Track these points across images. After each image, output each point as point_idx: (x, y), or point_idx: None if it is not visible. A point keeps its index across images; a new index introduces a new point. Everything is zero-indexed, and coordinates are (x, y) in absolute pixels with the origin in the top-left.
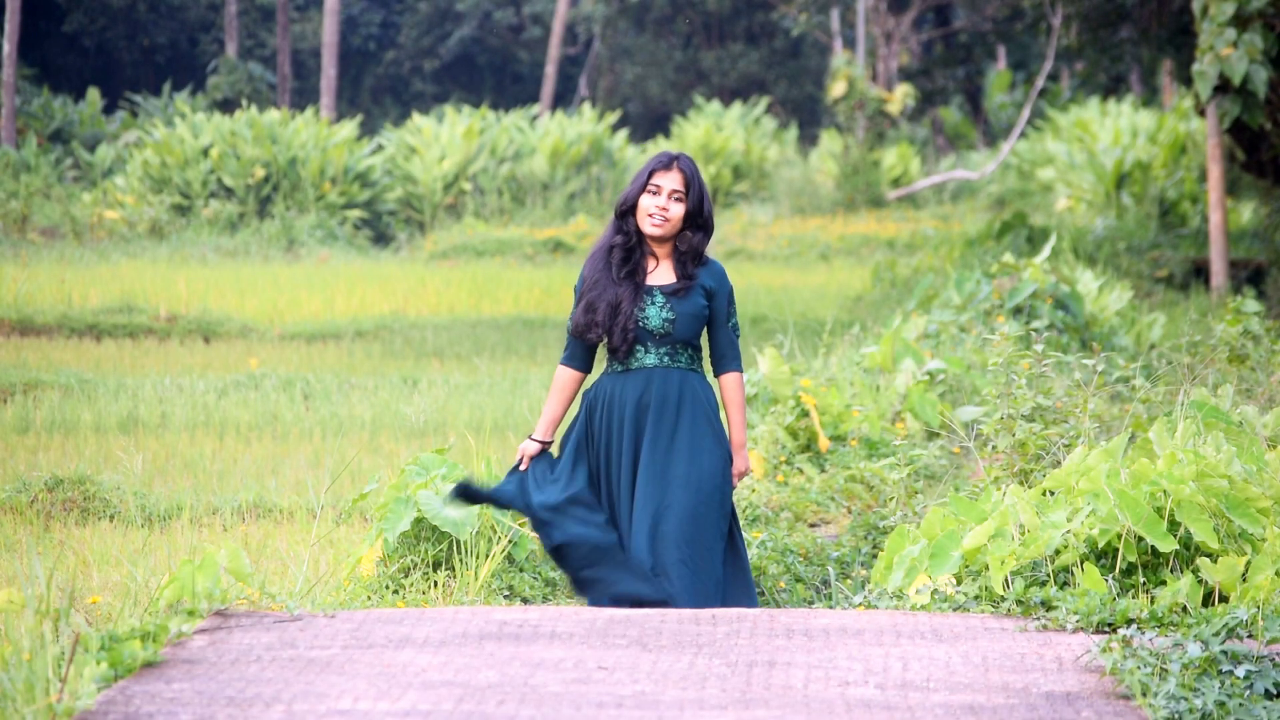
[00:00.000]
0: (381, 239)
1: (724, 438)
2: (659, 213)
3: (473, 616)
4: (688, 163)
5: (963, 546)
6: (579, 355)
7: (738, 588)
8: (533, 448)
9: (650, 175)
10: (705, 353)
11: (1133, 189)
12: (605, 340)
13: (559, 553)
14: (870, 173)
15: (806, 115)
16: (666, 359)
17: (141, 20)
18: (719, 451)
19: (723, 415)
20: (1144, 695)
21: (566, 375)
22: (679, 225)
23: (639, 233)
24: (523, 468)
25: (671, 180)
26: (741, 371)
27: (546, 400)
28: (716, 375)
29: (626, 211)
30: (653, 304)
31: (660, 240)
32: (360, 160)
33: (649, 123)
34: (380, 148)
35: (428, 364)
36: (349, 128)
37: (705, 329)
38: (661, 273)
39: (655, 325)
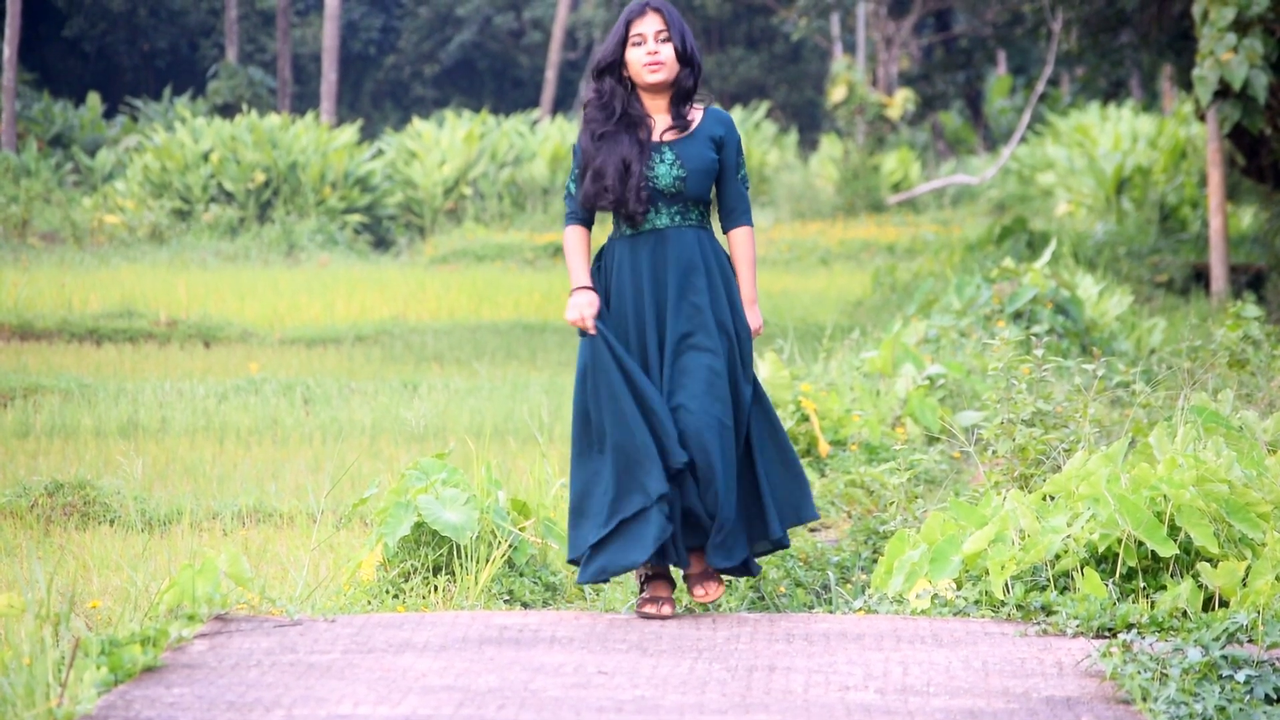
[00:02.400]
0: (382, 244)
1: (738, 299)
2: (651, 59)
3: (473, 621)
4: (661, 2)
5: (963, 551)
6: (582, 215)
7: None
8: (590, 297)
9: (628, 27)
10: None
11: (1133, 194)
12: (619, 207)
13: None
14: (870, 177)
15: (806, 120)
16: (678, 218)
17: (142, 25)
18: (739, 318)
19: None
20: (1144, 700)
21: (578, 232)
22: (675, 67)
23: (624, 90)
24: (592, 329)
25: (652, 23)
26: (751, 226)
27: (571, 257)
28: (725, 230)
29: (604, 71)
30: (662, 161)
31: (660, 89)
32: (360, 165)
33: None
34: (380, 152)
35: (428, 368)
36: (349, 132)
37: (714, 183)
38: (662, 127)
39: (666, 184)
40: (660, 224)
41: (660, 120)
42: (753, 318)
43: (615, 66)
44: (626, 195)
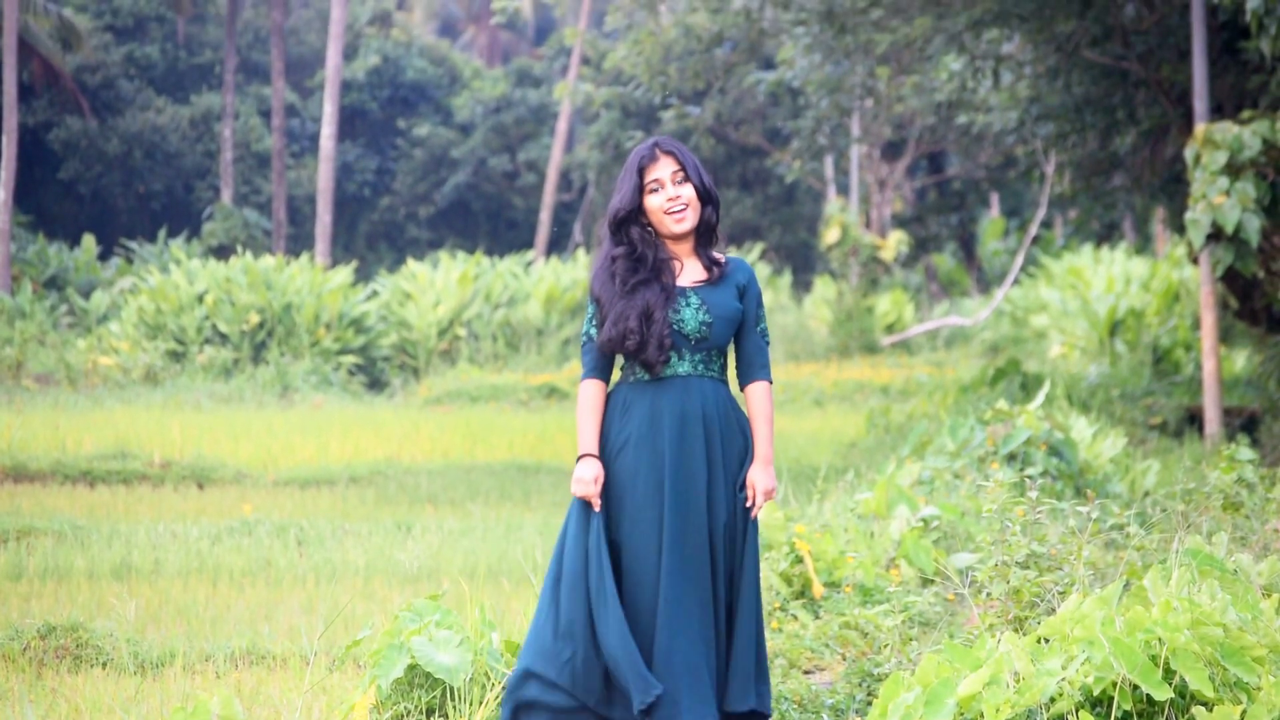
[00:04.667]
0: (376, 385)
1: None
2: (674, 204)
3: None
4: (670, 142)
5: (958, 694)
6: (601, 366)
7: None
8: (596, 470)
9: (642, 174)
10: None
11: (1126, 336)
12: (638, 352)
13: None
14: (864, 319)
15: (800, 261)
16: (701, 367)
17: (137, 167)
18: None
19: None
20: None
21: (595, 387)
22: (699, 208)
23: (645, 240)
24: (596, 506)
25: (666, 166)
26: (770, 382)
27: (582, 417)
28: (743, 385)
29: (624, 221)
30: (687, 305)
31: (685, 235)
32: (355, 306)
33: None
34: (375, 293)
35: (422, 509)
36: (344, 274)
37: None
38: (688, 272)
39: (691, 329)
40: (682, 371)
41: (689, 265)
42: (766, 478)
43: (635, 214)
44: (648, 342)
